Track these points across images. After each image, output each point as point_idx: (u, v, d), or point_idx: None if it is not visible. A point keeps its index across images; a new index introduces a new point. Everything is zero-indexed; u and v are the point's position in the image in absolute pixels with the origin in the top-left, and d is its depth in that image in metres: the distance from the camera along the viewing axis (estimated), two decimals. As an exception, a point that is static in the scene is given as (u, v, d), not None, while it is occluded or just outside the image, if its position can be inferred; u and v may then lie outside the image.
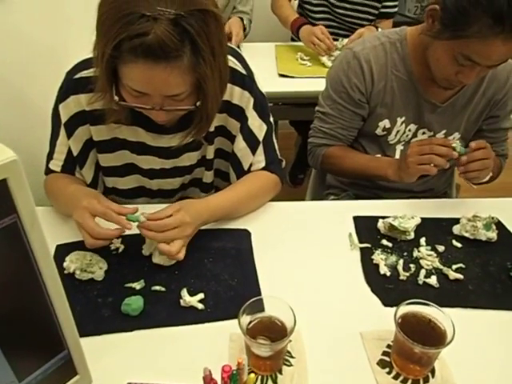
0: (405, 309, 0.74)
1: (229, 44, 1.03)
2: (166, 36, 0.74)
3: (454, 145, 0.98)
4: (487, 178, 1.06)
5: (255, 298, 0.73)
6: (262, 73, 1.83)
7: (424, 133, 1.20)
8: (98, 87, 0.86)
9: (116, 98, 0.86)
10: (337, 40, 2.00)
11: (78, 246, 0.94)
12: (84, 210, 0.87)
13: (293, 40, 2.15)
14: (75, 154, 1.03)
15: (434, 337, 0.72)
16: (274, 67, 1.86)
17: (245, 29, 2.03)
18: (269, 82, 1.73)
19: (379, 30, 1.91)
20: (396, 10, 2.05)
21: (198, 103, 0.88)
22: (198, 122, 0.92)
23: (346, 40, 1.88)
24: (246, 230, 1.02)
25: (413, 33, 1.11)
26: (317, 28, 1.83)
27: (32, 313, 0.53)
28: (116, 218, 0.87)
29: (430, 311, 0.73)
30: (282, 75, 1.78)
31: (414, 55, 1.11)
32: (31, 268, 0.49)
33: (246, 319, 0.73)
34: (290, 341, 0.77)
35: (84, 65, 0.96)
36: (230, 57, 0.99)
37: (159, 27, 0.74)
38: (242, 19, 2.02)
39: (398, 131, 1.20)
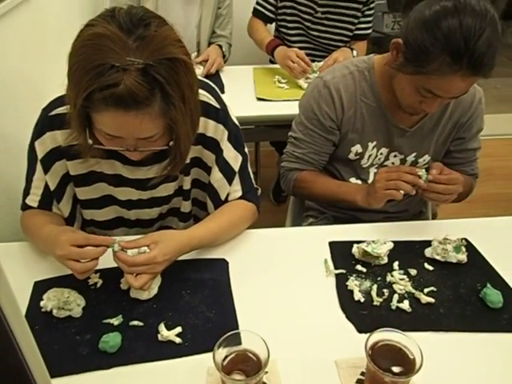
0: (376, 337, 0.76)
1: (202, 79, 1.07)
2: (136, 86, 0.76)
3: (419, 173, 1.02)
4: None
5: (229, 333, 0.75)
6: (240, 97, 1.88)
7: (396, 156, 1.24)
8: (72, 129, 0.88)
9: (90, 141, 0.88)
10: (313, 61, 2.04)
11: (55, 282, 0.95)
12: (65, 242, 0.89)
13: (271, 62, 2.19)
14: (52, 188, 1.04)
15: (404, 364, 0.74)
16: (252, 91, 1.88)
17: (224, 55, 2.06)
18: (247, 107, 1.78)
19: (354, 52, 1.96)
20: (370, 31, 2.10)
21: (170, 143, 0.90)
22: (172, 160, 0.95)
23: (321, 63, 1.92)
24: (223, 260, 1.04)
25: (380, 61, 1.15)
26: (292, 51, 1.86)
27: (3, 367, 0.53)
28: (98, 239, 0.90)
29: (400, 339, 0.75)
30: (260, 99, 1.81)
31: (382, 83, 1.14)
32: (1, 325, 0.49)
33: (221, 354, 0.74)
34: (266, 372, 0.78)
35: (59, 101, 0.97)
36: (203, 91, 1.02)
37: (129, 78, 0.76)
38: (220, 46, 2.06)
39: (370, 155, 1.23)
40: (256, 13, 2.09)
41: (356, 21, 2.04)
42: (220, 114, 1.05)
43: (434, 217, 1.93)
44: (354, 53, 1.96)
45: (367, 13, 2.04)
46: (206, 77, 1.94)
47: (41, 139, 1.00)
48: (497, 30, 0.93)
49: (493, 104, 3.78)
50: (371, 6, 2.02)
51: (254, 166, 2.49)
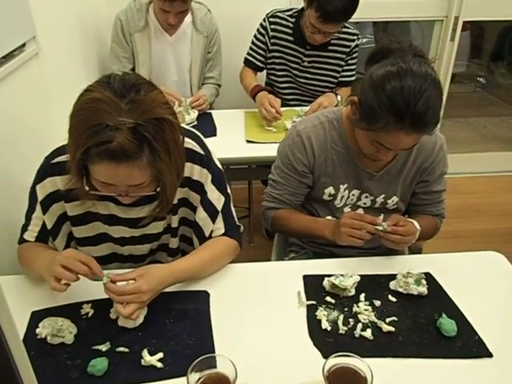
0: (333, 361, 0.85)
1: (188, 128, 1.20)
2: (126, 143, 0.89)
3: (379, 227, 1.16)
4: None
5: (201, 358, 0.84)
6: (231, 139, 2.01)
7: (367, 197, 1.35)
8: (71, 176, 1.00)
9: (86, 188, 1.00)
10: (300, 106, 2.19)
11: (51, 311, 1.05)
12: (69, 252, 1.03)
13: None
14: (49, 227, 1.16)
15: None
16: (242, 133, 2.01)
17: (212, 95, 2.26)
18: (237, 149, 1.91)
19: (338, 96, 2.11)
20: (353, 78, 2.26)
21: (157, 189, 1.03)
22: (160, 203, 1.07)
23: (307, 108, 2.06)
24: (205, 292, 1.13)
25: (346, 113, 1.28)
26: (266, 98, 2.01)
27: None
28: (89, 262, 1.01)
29: (354, 362, 0.84)
30: (249, 141, 1.95)
31: (350, 132, 1.27)
32: (2, 349, 0.60)
33: (195, 376, 0.83)
34: (237, 394, 0.87)
35: (60, 151, 1.10)
36: (189, 139, 1.14)
37: (121, 136, 0.89)
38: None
39: (342, 196, 1.35)
40: (247, 62, 2.27)
41: (340, 69, 2.21)
42: (204, 160, 1.17)
43: (420, 252, 2.04)
44: (338, 98, 2.11)
45: (350, 62, 2.21)
46: (201, 119, 2.09)
47: (42, 183, 1.12)
48: (437, 90, 1.05)
49: (481, 143, 3.92)
50: (354, 55, 2.20)
51: (246, 202, 2.61)
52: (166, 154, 0.95)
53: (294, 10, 2.14)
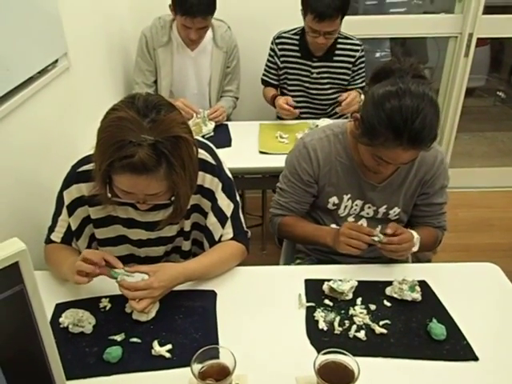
0: (324, 357, 0.92)
1: (202, 140, 1.30)
2: (147, 158, 0.99)
3: (375, 238, 1.23)
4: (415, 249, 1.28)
5: (203, 348, 0.93)
6: (245, 150, 2.11)
7: (369, 207, 1.43)
8: (95, 183, 1.12)
9: (109, 195, 1.12)
10: (313, 119, 2.28)
11: (73, 304, 1.16)
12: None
13: (279, 118, 2.44)
14: (73, 229, 1.27)
15: (347, 378, 0.90)
16: (256, 144, 2.11)
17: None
18: (251, 159, 2.01)
19: (362, 96, 2.19)
20: (364, 84, 2.35)
21: (172, 198, 1.14)
22: (174, 211, 1.18)
23: (318, 121, 2.14)
24: (212, 291, 1.23)
25: (350, 128, 1.36)
26: (280, 99, 2.22)
27: (30, 357, 0.74)
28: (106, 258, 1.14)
29: (344, 358, 0.92)
30: (262, 152, 2.04)
31: (353, 145, 1.35)
32: (31, 322, 0.70)
33: (198, 366, 0.92)
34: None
35: (85, 160, 1.21)
36: (202, 150, 1.25)
37: (142, 151, 0.99)
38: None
39: (345, 206, 1.42)
40: (263, 82, 2.47)
41: (348, 77, 2.34)
42: (215, 169, 1.27)
43: (429, 262, 2.10)
44: (362, 97, 2.19)
45: (359, 71, 2.34)
46: (217, 130, 2.20)
47: (68, 190, 1.24)
48: (434, 109, 1.12)
49: (497, 157, 3.92)
50: (361, 65, 2.33)
51: (260, 210, 2.70)
52: (181, 168, 1.06)
53: (298, 29, 2.30)
